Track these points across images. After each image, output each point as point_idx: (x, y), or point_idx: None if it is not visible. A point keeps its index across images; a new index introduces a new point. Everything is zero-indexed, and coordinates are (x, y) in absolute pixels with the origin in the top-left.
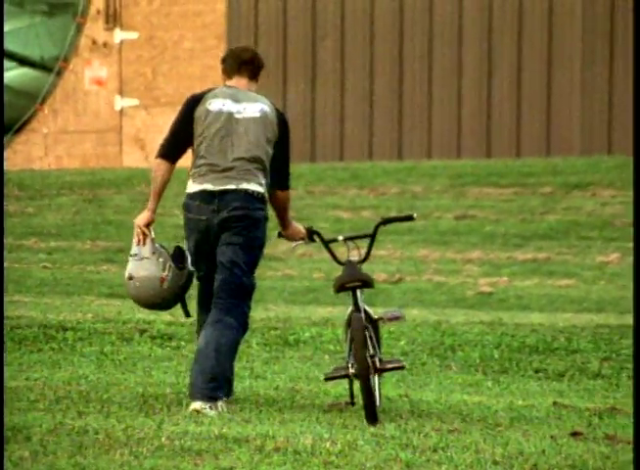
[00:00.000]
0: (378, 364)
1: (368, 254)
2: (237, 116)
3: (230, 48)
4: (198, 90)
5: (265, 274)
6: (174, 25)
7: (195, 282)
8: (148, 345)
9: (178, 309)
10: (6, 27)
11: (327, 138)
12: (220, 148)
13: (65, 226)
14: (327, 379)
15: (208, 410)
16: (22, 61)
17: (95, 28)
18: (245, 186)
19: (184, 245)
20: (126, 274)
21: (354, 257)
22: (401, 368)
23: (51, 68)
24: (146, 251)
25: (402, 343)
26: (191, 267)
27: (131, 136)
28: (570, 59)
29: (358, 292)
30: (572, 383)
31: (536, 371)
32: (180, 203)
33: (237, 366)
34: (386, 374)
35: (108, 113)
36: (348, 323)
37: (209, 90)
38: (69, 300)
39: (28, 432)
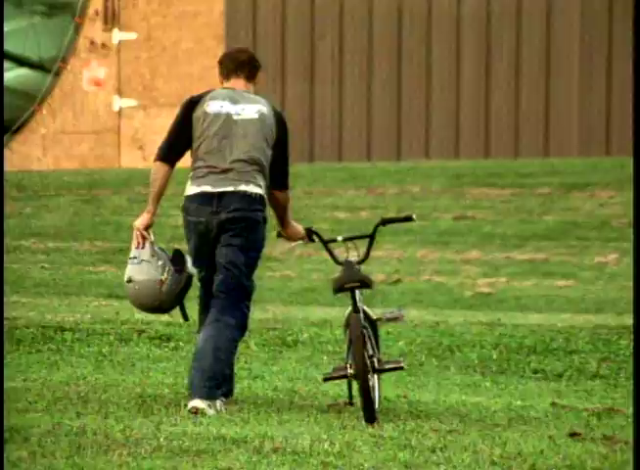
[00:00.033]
0: (376, 365)
1: (367, 254)
2: (235, 117)
3: (227, 50)
4: (196, 91)
5: (264, 275)
6: (172, 26)
7: (195, 283)
8: (146, 345)
9: (177, 311)
10: (4, 28)
11: (325, 138)
12: (219, 150)
13: (63, 227)
14: (326, 379)
15: (207, 409)
16: (21, 61)
17: (93, 29)
18: (243, 188)
19: (185, 246)
20: (125, 277)
21: (353, 257)
22: (400, 369)
23: (49, 68)
24: (145, 254)
25: (401, 343)
26: (190, 270)
27: (129, 137)
28: (568, 59)
29: (357, 292)
30: (571, 383)
31: (535, 372)
32: (177, 204)
33: (236, 367)
34: (384, 374)
35: (106, 113)
36: (347, 324)
37: (207, 92)
38: (68, 300)
39: (27, 432)
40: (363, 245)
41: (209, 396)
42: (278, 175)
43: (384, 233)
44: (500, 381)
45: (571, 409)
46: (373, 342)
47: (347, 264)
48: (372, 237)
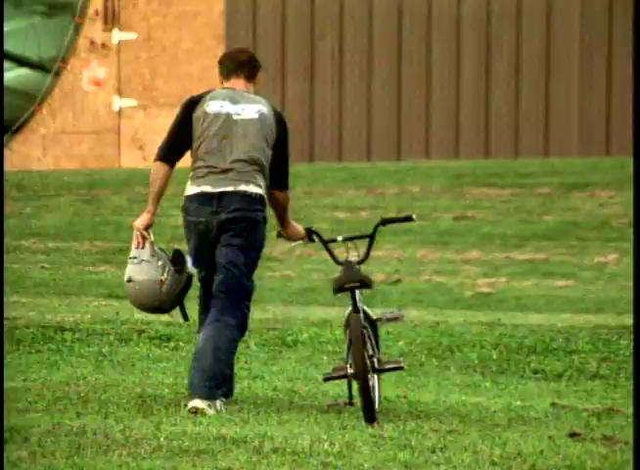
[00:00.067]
0: (376, 365)
1: (367, 254)
2: (235, 117)
3: (226, 50)
4: (196, 91)
5: (263, 275)
6: (172, 26)
7: (195, 283)
8: (146, 345)
9: (177, 311)
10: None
11: (325, 138)
12: (219, 150)
13: (63, 227)
14: (326, 379)
15: (207, 409)
16: (21, 61)
17: (93, 29)
18: (243, 188)
19: (185, 246)
20: (125, 277)
21: (354, 257)
22: (400, 369)
23: (49, 68)
24: (145, 254)
25: (401, 343)
26: (190, 271)
27: (129, 137)
28: (568, 59)
29: (357, 292)
30: (571, 383)
31: (535, 372)
32: (177, 203)
33: (235, 367)
34: (384, 375)
35: (106, 113)
36: (347, 324)
37: (207, 92)
38: (68, 300)
39: (27, 432)
40: (363, 245)
41: (209, 396)
42: (278, 175)
43: (383, 233)
44: (500, 381)
45: (570, 409)
46: (373, 342)
47: (347, 264)
48: (372, 237)
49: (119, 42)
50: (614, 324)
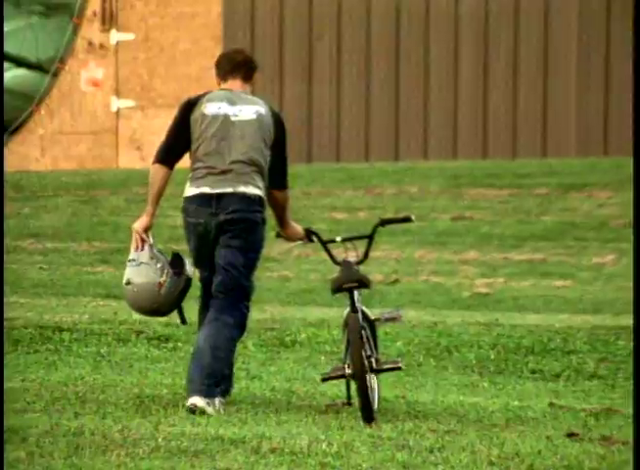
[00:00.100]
0: (374, 365)
1: (366, 255)
2: (233, 118)
3: (223, 51)
4: (194, 91)
5: (262, 275)
6: (170, 27)
7: (195, 283)
8: (144, 346)
9: (175, 313)
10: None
11: (323, 139)
12: (217, 151)
13: (61, 227)
14: (324, 379)
15: (206, 406)
16: (18, 62)
17: (91, 30)
18: (242, 189)
19: (184, 247)
20: (124, 280)
21: (352, 258)
22: (398, 369)
23: (47, 69)
24: (144, 256)
25: (399, 344)
26: (189, 274)
27: (127, 137)
28: (566, 59)
29: (355, 292)
30: (569, 384)
31: (532, 372)
32: (176, 204)
33: (233, 368)
34: (382, 375)
35: (104, 114)
36: (346, 324)
37: (205, 94)
38: (66, 301)
39: (25, 433)
40: (362, 245)
41: (208, 393)
42: (277, 175)
43: (381, 233)
44: (498, 381)
45: (568, 410)
46: (371, 342)
47: (346, 264)
48: (371, 238)
49: (117, 43)
50: (611, 325)
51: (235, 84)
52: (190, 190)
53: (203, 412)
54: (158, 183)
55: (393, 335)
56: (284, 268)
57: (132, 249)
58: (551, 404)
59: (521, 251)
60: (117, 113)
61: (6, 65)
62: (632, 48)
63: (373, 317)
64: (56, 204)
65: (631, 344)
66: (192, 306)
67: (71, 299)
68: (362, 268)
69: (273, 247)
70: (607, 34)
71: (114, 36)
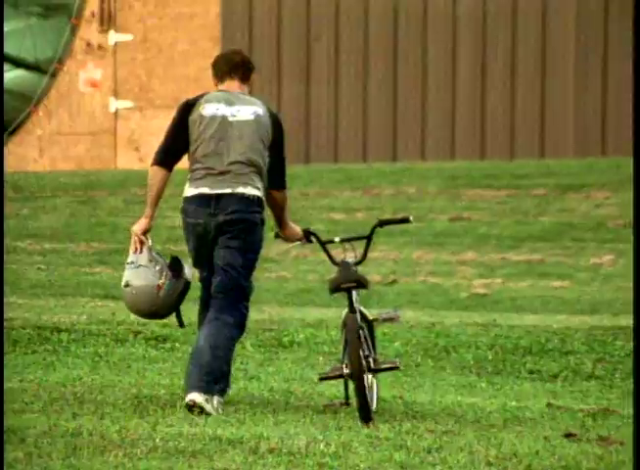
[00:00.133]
0: (372, 364)
1: (364, 255)
2: (231, 119)
3: (219, 52)
4: (192, 92)
5: (260, 276)
6: (168, 28)
7: (195, 284)
8: (142, 346)
9: (172, 316)
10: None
11: (321, 139)
12: (216, 152)
13: (59, 228)
14: (322, 379)
15: (204, 403)
16: (17, 63)
17: (89, 30)
18: (241, 190)
19: (183, 248)
20: (123, 282)
21: (350, 258)
22: (396, 368)
23: (45, 69)
24: (143, 259)
25: (397, 344)
26: (188, 277)
27: (125, 138)
28: (563, 59)
29: (353, 292)
30: (566, 384)
31: (530, 372)
32: (174, 205)
33: (232, 367)
34: (380, 375)
35: (102, 114)
36: (344, 324)
37: (203, 95)
38: (64, 301)
39: (23, 433)
40: (360, 246)
41: (207, 390)
42: (275, 175)
43: (379, 234)
44: (496, 382)
45: (566, 410)
46: (369, 342)
47: (344, 265)
48: (369, 238)
49: (115, 44)
50: (609, 325)
51: (232, 85)
52: (189, 190)
53: (201, 408)
54: (156, 185)
55: (391, 335)
56: (282, 269)
57: (131, 251)
58: (549, 405)
59: (518, 251)
60: (116, 113)
61: (5, 66)
62: (632, 48)
63: (371, 317)
64: (54, 204)
65: (629, 344)
66: (191, 308)
67: (70, 299)
68: (360, 269)
69: (271, 248)
70: (604, 35)
71: (113, 37)
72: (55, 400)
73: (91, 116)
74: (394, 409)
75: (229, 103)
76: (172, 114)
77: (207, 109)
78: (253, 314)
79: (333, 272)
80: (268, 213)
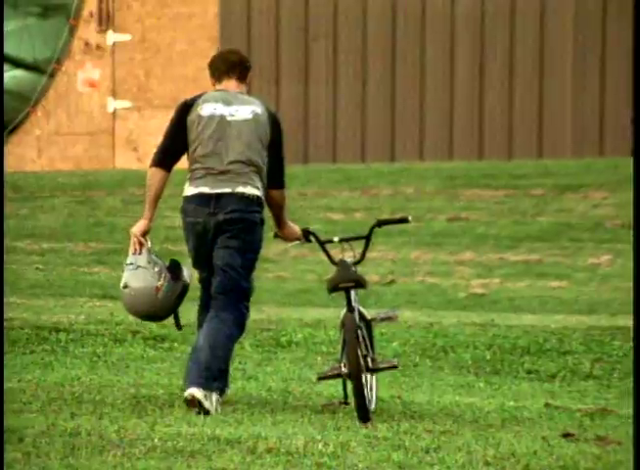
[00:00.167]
0: (370, 364)
1: (363, 255)
2: (229, 118)
3: (216, 52)
4: (190, 92)
5: (259, 276)
6: (167, 28)
7: (194, 285)
8: (140, 346)
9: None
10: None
11: (320, 139)
12: (215, 152)
13: (57, 228)
14: (320, 378)
15: (203, 399)
16: (15, 63)
17: (88, 31)
18: (241, 190)
19: (181, 248)
20: (121, 283)
21: (349, 258)
22: (394, 368)
23: (44, 69)
24: (142, 260)
25: (395, 344)
26: (186, 280)
27: (124, 138)
28: (562, 59)
29: (352, 292)
30: (564, 384)
31: (528, 372)
32: (173, 205)
33: (230, 367)
34: (378, 375)
35: (100, 115)
36: (342, 323)
37: (201, 95)
38: (62, 301)
39: (21, 433)
40: (359, 246)
41: (206, 386)
42: (274, 174)
43: (378, 234)
44: (494, 382)
45: (564, 410)
46: (367, 342)
47: (342, 264)
48: (368, 238)
49: (114, 44)
50: (607, 325)
51: (230, 85)
52: (189, 190)
53: (200, 404)
54: (155, 186)
55: (389, 335)
56: (280, 269)
57: (130, 252)
58: (547, 405)
59: (516, 251)
60: (114, 113)
61: (4, 66)
62: (632, 48)
63: (369, 317)
64: (52, 204)
65: (626, 344)
66: (189, 308)
67: (68, 299)
68: (358, 269)
69: (270, 247)
70: (602, 35)
71: (111, 37)
72: (53, 400)
73: (89, 116)
74: (393, 409)
75: (227, 102)
76: (171, 114)
77: (206, 109)
78: (252, 314)
79: (331, 272)
80: (268, 214)
